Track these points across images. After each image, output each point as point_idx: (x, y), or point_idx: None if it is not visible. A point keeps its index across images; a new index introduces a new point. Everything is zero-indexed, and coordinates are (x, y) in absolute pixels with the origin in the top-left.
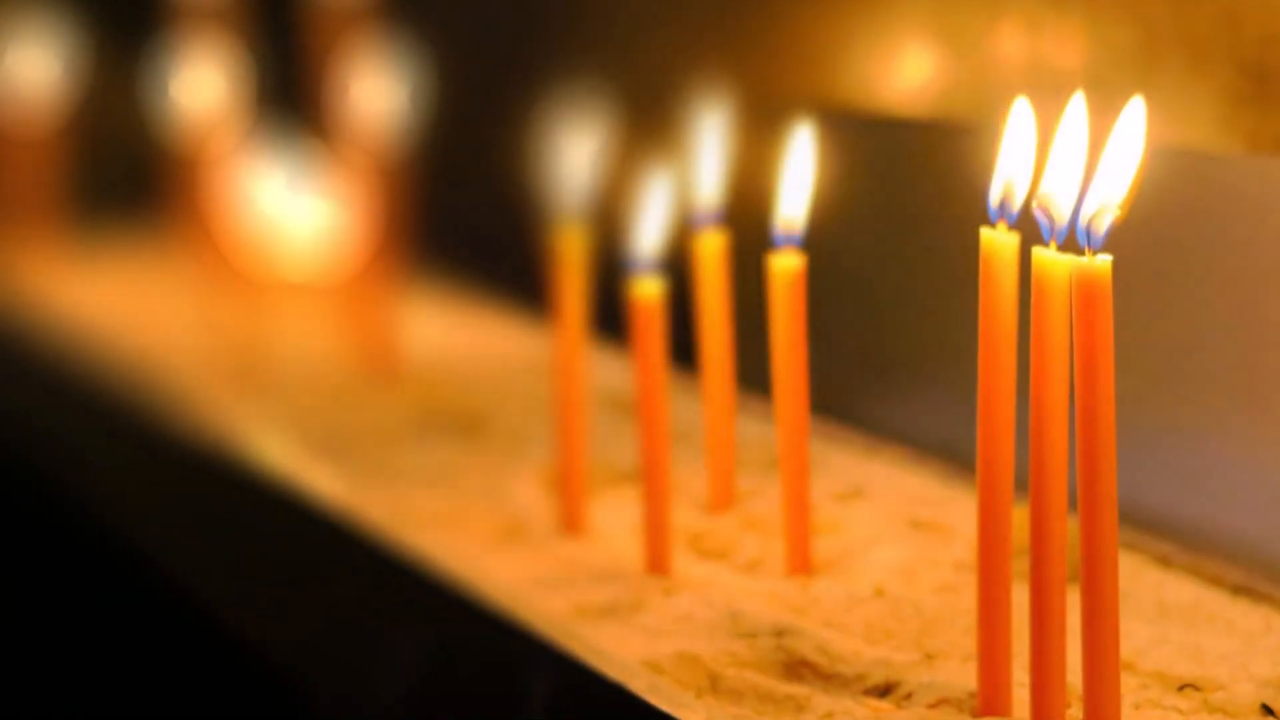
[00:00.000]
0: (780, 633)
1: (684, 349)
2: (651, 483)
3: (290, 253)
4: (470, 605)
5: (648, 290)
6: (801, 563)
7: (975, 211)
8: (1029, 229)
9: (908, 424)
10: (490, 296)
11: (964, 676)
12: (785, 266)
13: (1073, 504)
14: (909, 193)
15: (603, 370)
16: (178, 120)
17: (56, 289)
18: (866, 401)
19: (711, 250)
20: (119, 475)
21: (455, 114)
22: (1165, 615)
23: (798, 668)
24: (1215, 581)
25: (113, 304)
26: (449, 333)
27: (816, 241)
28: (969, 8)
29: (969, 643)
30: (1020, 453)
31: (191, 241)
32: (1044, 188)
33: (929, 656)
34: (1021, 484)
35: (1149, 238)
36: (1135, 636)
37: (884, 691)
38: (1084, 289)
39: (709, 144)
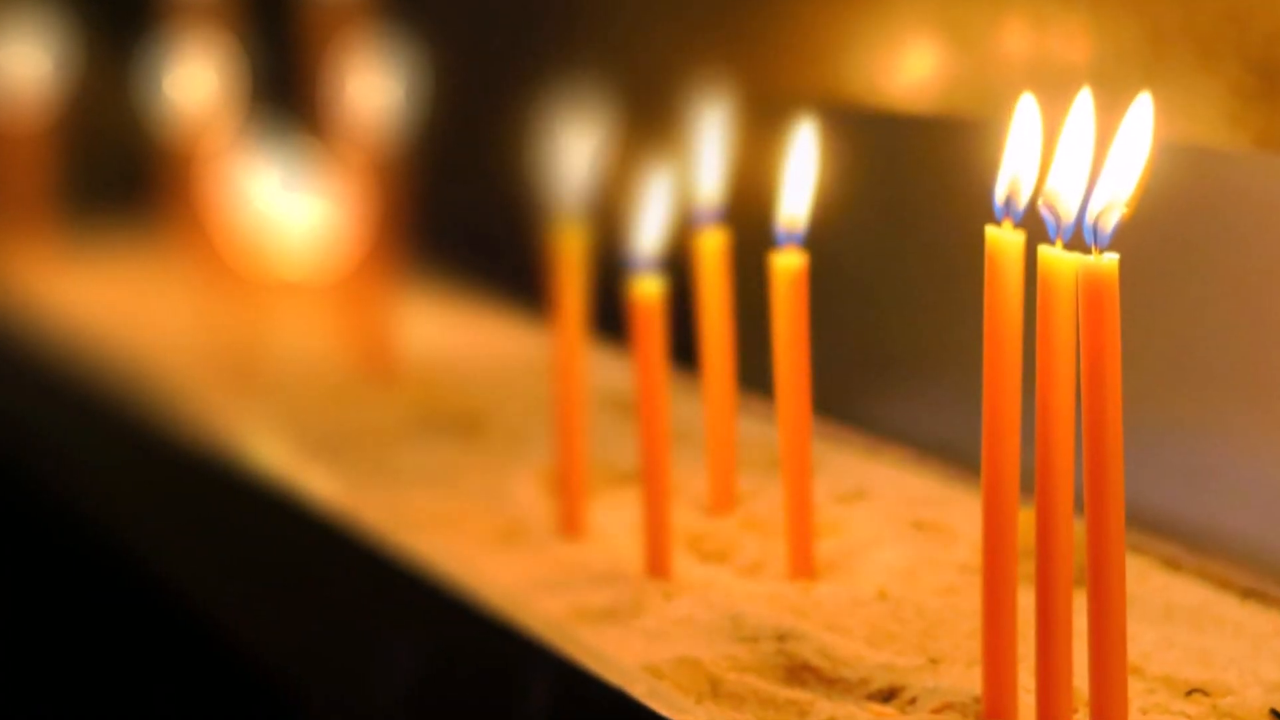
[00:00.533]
0: (782, 636)
1: (685, 348)
2: (651, 484)
3: (286, 251)
4: (468, 608)
5: (648, 289)
6: (803, 565)
7: (980, 209)
8: (1034, 227)
9: (911, 424)
10: (489, 295)
11: (969, 681)
12: (787, 265)
13: (1078, 505)
14: (913, 190)
15: (602, 370)
16: (171, 116)
17: (49, 287)
18: (869, 401)
19: (712, 248)
20: (112, 476)
21: (453, 110)
22: (1172, 618)
23: (800, 672)
24: (1223, 584)
25: (106, 302)
26: (447, 332)
27: (819, 239)
28: (974, 2)
29: (973, 646)
30: (1025, 453)
31: (186, 239)
32: (1050, 185)
33: (933, 660)
34: (1027, 485)
35: (1155, 236)
36: (1142, 640)
37: (887, 696)
38: (1090, 287)
39: (710, 140)
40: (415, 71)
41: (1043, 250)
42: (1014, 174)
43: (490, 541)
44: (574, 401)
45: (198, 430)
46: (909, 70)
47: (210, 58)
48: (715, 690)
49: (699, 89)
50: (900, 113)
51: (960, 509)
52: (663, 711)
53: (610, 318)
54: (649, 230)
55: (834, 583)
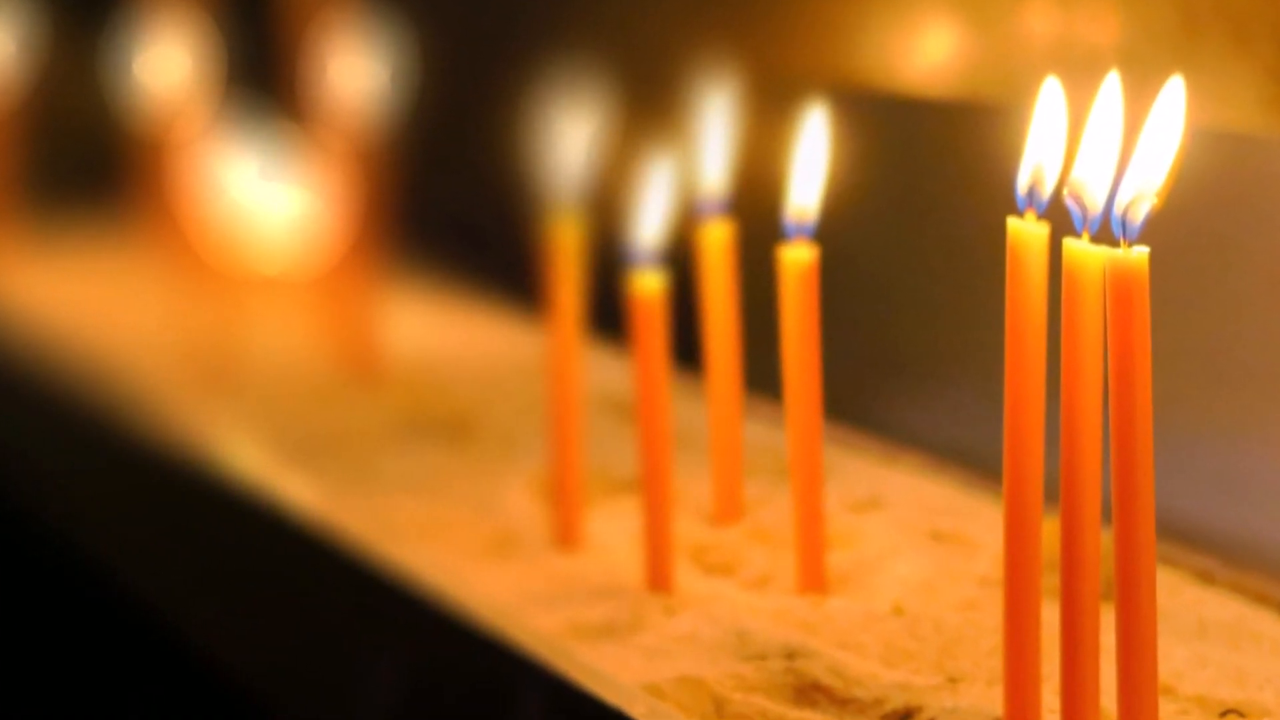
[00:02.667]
0: (791, 654)
1: (687, 348)
2: (652, 492)
3: (264, 244)
4: (456, 623)
5: (648, 284)
6: (814, 578)
7: (1002, 199)
8: (1060, 218)
9: (928, 429)
10: (479, 291)
11: (989, 701)
12: (797, 259)
13: (1106, 515)
14: (930, 179)
15: (600, 370)
16: (142, 102)
17: (13, 282)
18: (883, 404)
19: (717, 241)
20: (79, 481)
21: (441, 95)
22: (1206, 635)
23: (810, 692)
24: (1260, 599)
25: (73, 298)
26: (435, 330)
27: (830, 232)
28: None
29: (995, 664)
30: (1050, 460)
31: (158, 232)
32: (1076, 174)
33: (952, 679)
34: (1051, 493)
35: (1187, 227)
36: (1174, 658)
37: (903, 717)
38: (1119, 283)
39: (715, 127)
40: (401, 54)
41: (1068, 243)
42: (1038, 162)
43: (480, 552)
44: (570, 404)
45: (170, 433)
46: (926, 51)
47: (184, 39)
48: (720, 711)
49: (702, 71)
50: (917, 97)
51: (981, 519)
52: None
53: (608, 315)
54: (650, 222)
55: (846, 597)
